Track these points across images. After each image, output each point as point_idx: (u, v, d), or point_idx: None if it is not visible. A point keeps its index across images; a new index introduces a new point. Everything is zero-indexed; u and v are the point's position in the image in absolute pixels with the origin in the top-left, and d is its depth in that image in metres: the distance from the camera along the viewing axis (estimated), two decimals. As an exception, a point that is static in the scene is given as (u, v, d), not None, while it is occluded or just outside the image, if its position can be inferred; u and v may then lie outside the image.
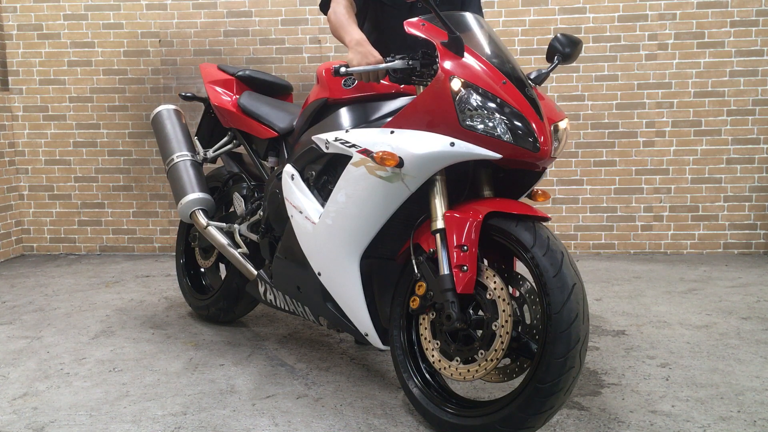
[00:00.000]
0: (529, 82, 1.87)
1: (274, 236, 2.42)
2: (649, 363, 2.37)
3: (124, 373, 2.35)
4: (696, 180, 4.23)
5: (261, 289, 2.46)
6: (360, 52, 1.95)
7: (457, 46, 1.77)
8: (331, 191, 2.04)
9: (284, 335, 2.75)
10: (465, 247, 1.71)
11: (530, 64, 4.21)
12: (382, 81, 2.04)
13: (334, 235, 1.98)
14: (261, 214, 2.52)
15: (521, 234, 1.68)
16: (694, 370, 2.29)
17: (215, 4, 4.35)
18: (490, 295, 1.71)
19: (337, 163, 2.05)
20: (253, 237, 2.55)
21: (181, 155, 2.82)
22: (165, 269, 4.05)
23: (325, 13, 2.33)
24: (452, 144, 1.71)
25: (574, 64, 4.01)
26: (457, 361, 1.77)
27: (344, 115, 2.08)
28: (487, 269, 1.75)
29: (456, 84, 1.72)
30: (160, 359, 2.48)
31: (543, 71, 2.05)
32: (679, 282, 3.55)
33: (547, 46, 2.05)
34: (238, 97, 2.73)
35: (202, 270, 3.06)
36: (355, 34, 2.06)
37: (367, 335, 2.01)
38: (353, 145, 1.91)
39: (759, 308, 3.03)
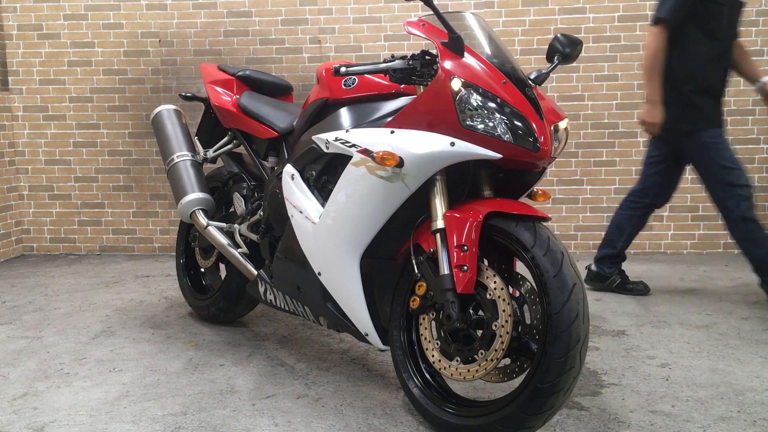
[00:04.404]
0: (530, 82, 1.87)
1: (274, 236, 2.42)
2: (649, 363, 2.37)
3: (124, 373, 2.35)
4: (696, 180, 4.21)
5: (261, 289, 2.46)
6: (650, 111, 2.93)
7: (457, 46, 1.77)
8: (331, 191, 2.04)
9: (284, 335, 2.75)
10: (465, 247, 1.71)
11: (530, 64, 4.21)
12: (381, 81, 2.04)
13: (334, 234, 1.98)
14: (261, 214, 2.52)
15: (521, 234, 1.68)
16: (694, 370, 2.29)
17: (215, 4, 4.35)
18: (490, 295, 1.71)
19: (337, 163, 2.05)
20: (253, 237, 2.54)
21: (182, 155, 2.82)
22: (165, 269, 4.05)
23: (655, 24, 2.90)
24: (452, 144, 1.71)
25: (574, 64, 4.01)
26: (457, 361, 1.77)
27: (344, 115, 2.08)
28: (487, 269, 1.75)
29: (456, 84, 1.72)
30: (160, 359, 2.48)
31: (543, 71, 2.05)
32: (679, 282, 3.55)
33: (547, 46, 2.05)
34: (238, 97, 2.73)
35: (202, 270, 3.06)
36: (654, 93, 2.95)
37: (367, 335, 2.01)
38: (353, 145, 1.91)
39: (759, 308, 3.03)
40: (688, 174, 4.21)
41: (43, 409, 2.05)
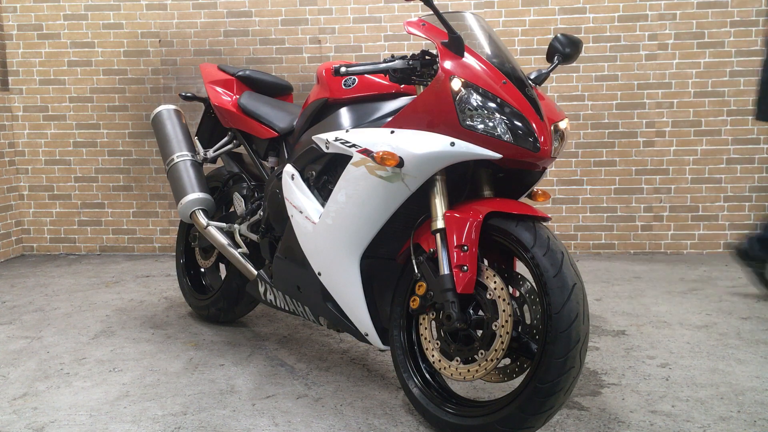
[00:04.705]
0: (530, 82, 1.87)
1: (274, 236, 2.42)
2: (649, 363, 2.37)
3: (124, 373, 2.35)
4: (696, 180, 4.23)
5: (261, 289, 2.47)
6: None
7: (457, 46, 1.77)
8: (331, 191, 2.04)
9: (284, 335, 2.75)
10: (465, 247, 1.72)
11: (530, 64, 4.21)
12: (381, 81, 2.04)
13: (334, 235, 1.98)
14: (261, 214, 2.52)
15: (521, 234, 1.68)
16: (694, 370, 2.29)
17: (215, 4, 4.35)
18: (490, 295, 1.71)
19: (337, 163, 2.05)
20: (253, 237, 2.55)
21: (181, 155, 2.82)
22: (165, 269, 4.05)
23: None
24: (452, 144, 1.71)
25: (574, 64, 4.02)
26: (457, 361, 1.77)
27: (344, 115, 2.08)
28: (487, 269, 1.75)
29: (456, 84, 1.72)
30: (160, 359, 2.48)
31: (543, 71, 2.05)
32: (679, 282, 3.55)
33: (547, 46, 2.05)
34: (238, 97, 2.73)
35: (202, 270, 3.06)
36: None
37: (367, 335, 2.01)
38: (353, 145, 1.91)
39: (759, 308, 3.03)
40: (688, 174, 4.22)
41: (43, 409, 2.05)
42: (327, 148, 2.03)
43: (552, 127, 1.80)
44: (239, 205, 2.69)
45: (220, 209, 2.89)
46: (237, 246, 2.61)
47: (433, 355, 1.84)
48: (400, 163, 1.75)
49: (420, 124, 1.78)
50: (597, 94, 4.22)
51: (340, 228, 1.96)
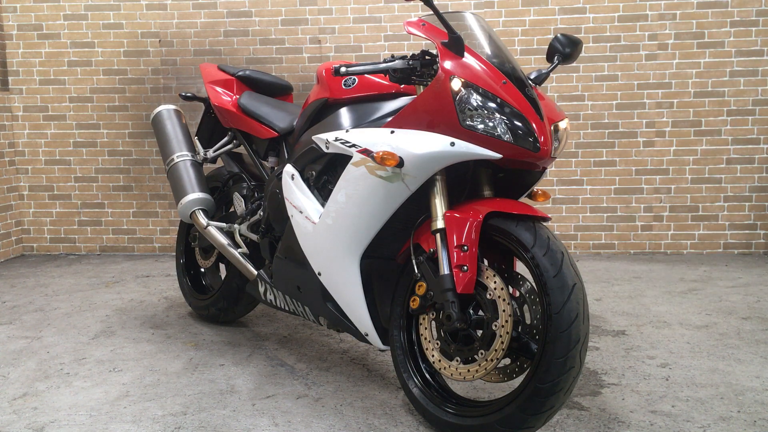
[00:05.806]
0: (529, 82, 1.87)
1: (275, 236, 2.42)
2: (649, 363, 2.37)
3: (124, 373, 2.35)
4: (696, 180, 4.23)
5: (261, 289, 2.47)
6: None
7: (457, 46, 1.77)
8: (331, 191, 2.04)
9: (284, 335, 2.75)
10: (465, 247, 1.72)
11: (530, 64, 4.21)
12: (381, 81, 2.04)
13: (334, 234, 1.98)
14: (261, 214, 2.52)
15: (521, 234, 1.68)
16: (694, 370, 2.29)
17: (215, 4, 4.35)
18: (490, 295, 1.71)
19: (337, 163, 2.05)
20: (253, 237, 2.55)
21: (181, 155, 2.82)
22: (165, 269, 4.05)
23: None
24: (452, 144, 1.71)
25: (574, 64, 4.02)
26: (457, 361, 1.77)
27: (344, 115, 2.08)
28: (487, 269, 1.75)
29: (456, 84, 1.72)
30: (160, 359, 2.48)
31: (543, 71, 2.05)
32: (679, 282, 3.55)
33: (547, 46, 2.05)
34: (238, 97, 2.73)
35: (202, 270, 3.06)
36: None
37: (367, 335, 2.01)
38: (353, 145, 1.91)
39: (759, 308, 3.03)
40: (688, 174, 4.22)
41: (43, 409, 2.05)
42: (327, 148, 2.03)
43: (552, 127, 1.80)
44: (239, 205, 2.69)
45: (220, 209, 2.89)
46: (237, 246, 2.61)
47: (433, 355, 1.84)
48: (400, 163, 1.75)
49: (420, 124, 1.78)
50: (597, 94, 4.23)
51: (340, 228, 1.96)
